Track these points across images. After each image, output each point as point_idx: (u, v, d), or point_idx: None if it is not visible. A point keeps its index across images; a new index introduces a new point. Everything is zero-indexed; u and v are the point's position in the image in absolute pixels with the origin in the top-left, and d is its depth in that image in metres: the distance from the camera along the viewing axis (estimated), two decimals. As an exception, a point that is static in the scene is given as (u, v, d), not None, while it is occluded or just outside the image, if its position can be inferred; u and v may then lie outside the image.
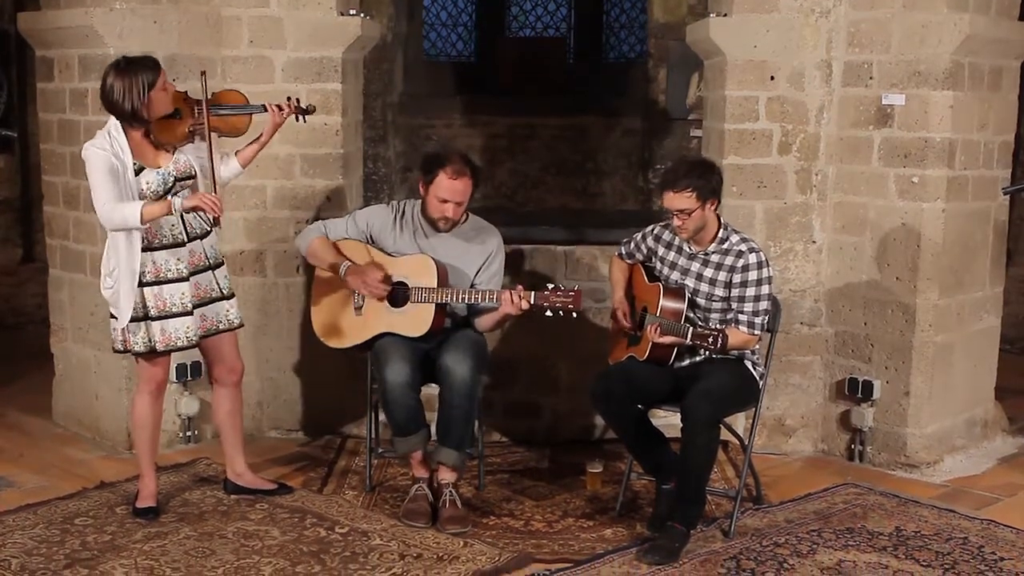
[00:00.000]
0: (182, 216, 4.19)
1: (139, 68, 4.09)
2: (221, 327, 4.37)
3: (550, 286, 4.30)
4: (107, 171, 4.03)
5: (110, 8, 4.95)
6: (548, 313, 4.29)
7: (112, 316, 4.23)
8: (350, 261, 4.50)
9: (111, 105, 4.09)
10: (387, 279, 4.44)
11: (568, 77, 10.86)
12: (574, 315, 4.28)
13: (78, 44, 5.09)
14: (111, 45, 4.93)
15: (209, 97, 4.21)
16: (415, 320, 4.42)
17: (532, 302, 4.28)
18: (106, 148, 4.06)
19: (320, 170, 5.33)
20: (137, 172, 4.10)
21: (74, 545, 4.11)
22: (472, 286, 4.56)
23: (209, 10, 5.18)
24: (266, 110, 4.33)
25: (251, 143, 4.44)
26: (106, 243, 4.21)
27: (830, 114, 5.18)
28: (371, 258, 4.53)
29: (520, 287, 4.34)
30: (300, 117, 4.42)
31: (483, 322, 4.59)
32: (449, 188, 4.42)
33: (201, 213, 4.24)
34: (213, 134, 4.23)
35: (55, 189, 5.46)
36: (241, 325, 4.48)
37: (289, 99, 4.39)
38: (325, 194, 5.35)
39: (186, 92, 4.26)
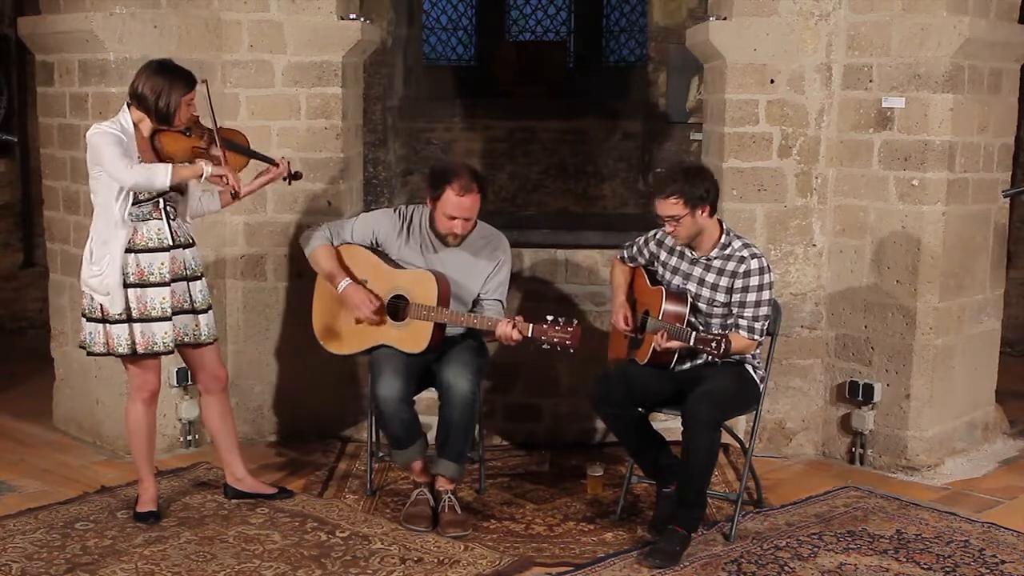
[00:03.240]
0: (168, 223, 4.23)
1: (177, 72, 4.19)
2: (187, 340, 4.35)
3: (549, 319, 4.22)
4: (118, 143, 4.08)
5: (110, 12, 4.95)
6: (545, 347, 4.21)
7: (85, 317, 4.24)
8: (349, 278, 4.47)
9: (141, 98, 4.14)
10: (380, 310, 4.43)
11: (568, 80, 10.87)
12: (571, 351, 4.23)
13: (78, 49, 5.10)
14: (111, 50, 4.94)
15: (220, 127, 4.30)
16: (413, 337, 4.40)
17: (528, 335, 4.21)
18: (116, 130, 4.12)
19: (320, 174, 5.33)
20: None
21: (75, 550, 4.11)
22: (477, 297, 4.56)
23: (209, 14, 5.18)
24: (276, 164, 4.44)
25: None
26: (90, 233, 4.22)
27: (830, 117, 5.18)
28: (372, 270, 4.50)
29: (520, 318, 4.27)
30: (288, 180, 4.50)
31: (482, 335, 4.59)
32: (457, 205, 4.38)
33: (184, 223, 4.33)
34: (215, 181, 4.30)
35: (55, 194, 5.46)
36: (211, 342, 4.43)
37: (284, 159, 4.50)
38: (325, 198, 5.35)
39: (199, 117, 4.32)
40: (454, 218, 4.40)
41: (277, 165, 4.45)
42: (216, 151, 4.25)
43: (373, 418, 4.79)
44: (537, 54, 11.02)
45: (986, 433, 5.48)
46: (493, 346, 4.73)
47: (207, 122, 4.31)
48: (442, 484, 4.42)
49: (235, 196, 4.30)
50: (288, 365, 5.47)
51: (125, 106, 4.21)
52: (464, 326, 4.44)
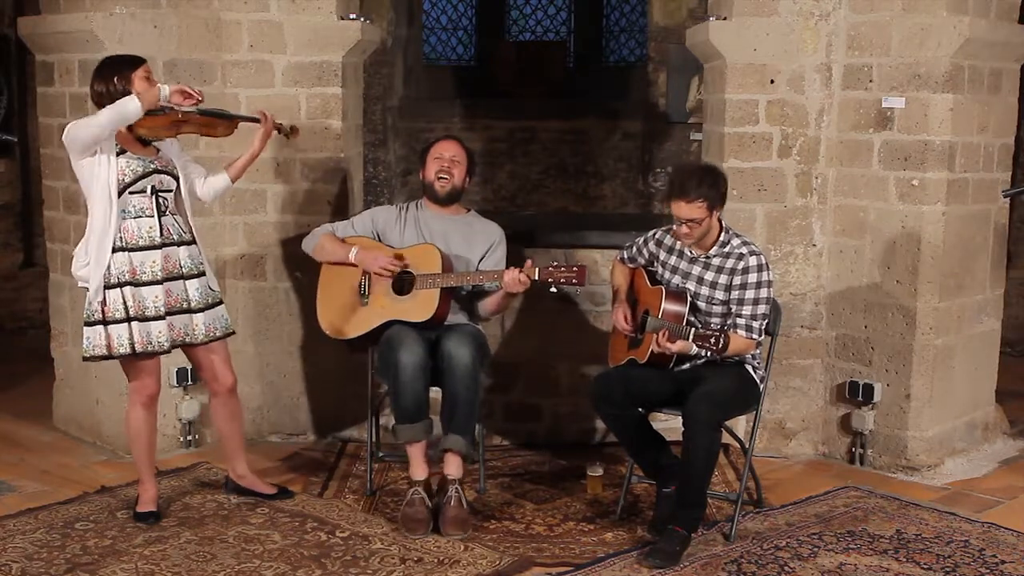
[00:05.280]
0: (160, 220, 4.22)
1: (120, 59, 4.26)
2: (187, 340, 4.33)
3: (554, 263, 4.34)
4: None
5: (110, 12, 4.95)
6: (552, 290, 4.29)
7: (85, 323, 4.22)
8: (359, 246, 4.57)
9: (100, 96, 4.17)
10: (398, 257, 4.52)
11: (568, 80, 10.87)
12: (578, 291, 4.31)
13: (78, 49, 5.10)
14: (111, 50, 4.91)
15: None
16: (421, 305, 4.44)
17: (536, 278, 4.28)
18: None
19: (320, 174, 5.34)
20: (119, 154, 4.16)
21: (75, 550, 4.11)
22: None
23: (209, 14, 5.18)
24: (257, 120, 4.47)
25: (239, 157, 4.53)
26: (86, 232, 4.24)
27: (830, 117, 5.18)
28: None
29: (528, 262, 4.36)
30: (281, 132, 4.55)
31: (487, 305, 4.62)
32: (442, 146, 4.68)
33: (178, 219, 4.31)
34: (195, 133, 4.36)
35: (55, 194, 5.46)
36: (206, 342, 4.38)
37: (265, 112, 4.53)
38: (325, 198, 5.35)
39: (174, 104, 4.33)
40: (441, 157, 4.62)
41: (259, 120, 4.48)
42: (197, 119, 4.27)
43: (373, 418, 4.81)
44: (537, 54, 11.02)
45: (986, 433, 5.48)
46: (493, 344, 4.74)
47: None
48: (449, 468, 4.36)
49: (202, 114, 4.27)
50: (288, 365, 5.47)
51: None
52: (471, 283, 4.50)
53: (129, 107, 4.04)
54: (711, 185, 4.15)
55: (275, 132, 4.51)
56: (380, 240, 4.66)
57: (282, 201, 5.35)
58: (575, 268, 4.26)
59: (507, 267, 4.53)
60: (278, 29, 5.24)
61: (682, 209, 4.14)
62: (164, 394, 4.95)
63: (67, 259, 5.37)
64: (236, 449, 4.62)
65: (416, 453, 4.43)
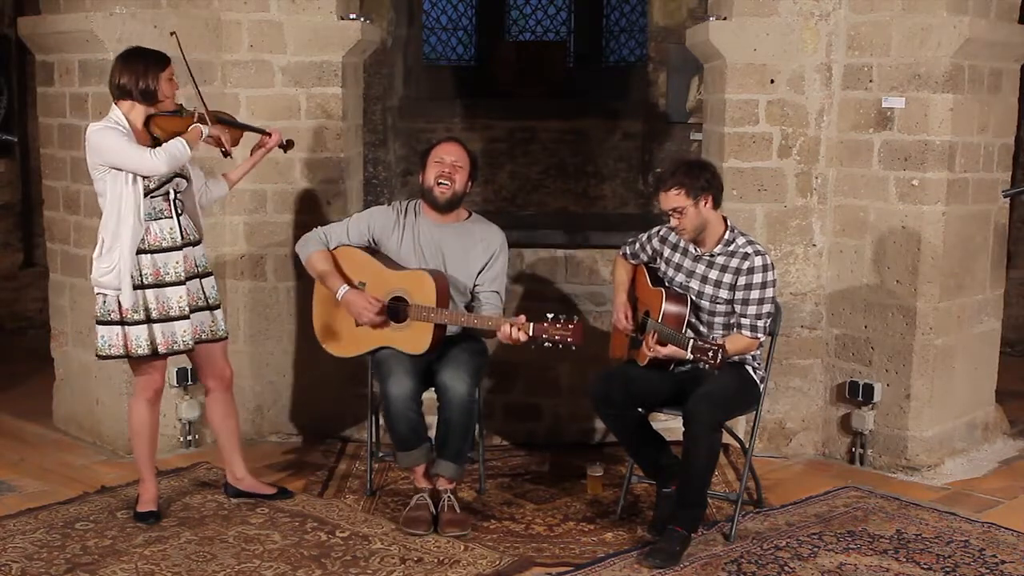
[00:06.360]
0: (178, 221, 4.26)
1: (148, 55, 4.26)
2: (204, 337, 4.38)
3: (549, 316, 4.20)
4: (125, 136, 4.14)
5: (110, 12, 4.95)
6: (547, 344, 4.19)
7: (99, 322, 4.22)
8: (348, 284, 4.46)
9: (123, 88, 4.18)
10: (383, 311, 4.41)
11: (568, 80, 10.88)
12: (573, 348, 4.22)
13: (78, 49, 5.10)
14: (111, 49, 4.93)
15: (207, 108, 4.40)
16: (414, 338, 4.39)
17: (530, 334, 4.18)
18: (115, 126, 4.16)
19: (320, 174, 5.34)
20: None
21: (75, 550, 4.11)
22: (474, 288, 4.56)
23: (209, 14, 5.18)
24: (268, 134, 4.56)
25: (239, 166, 4.64)
26: (99, 235, 4.21)
27: (830, 117, 5.18)
28: (370, 273, 4.49)
29: (522, 317, 4.25)
30: (284, 148, 4.64)
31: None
32: (444, 149, 4.54)
33: (189, 219, 4.36)
34: (210, 142, 4.40)
35: (55, 193, 5.46)
36: (225, 337, 4.48)
37: (276, 130, 4.63)
38: (325, 198, 5.35)
39: (183, 105, 4.39)
40: (442, 162, 4.49)
41: (269, 135, 4.57)
42: (211, 126, 4.36)
43: (373, 418, 4.80)
44: (537, 54, 11.03)
45: (986, 433, 5.48)
46: (493, 344, 4.73)
47: (191, 103, 4.39)
48: (442, 484, 4.41)
49: (226, 155, 4.40)
50: (288, 365, 5.47)
51: (113, 104, 4.23)
52: (465, 326, 4.43)
53: (185, 154, 4.17)
54: (686, 174, 4.19)
55: (278, 147, 4.62)
56: (376, 246, 4.58)
57: (282, 201, 5.35)
58: (571, 326, 4.15)
59: (503, 314, 4.49)
60: (278, 29, 5.25)
61: (663, 199, 4.22)
62: (164, 394, 4.96)
63: (67, 259, 5.39)
64: (233, 450, 4.62)
65: (418, 471, 4.44)
